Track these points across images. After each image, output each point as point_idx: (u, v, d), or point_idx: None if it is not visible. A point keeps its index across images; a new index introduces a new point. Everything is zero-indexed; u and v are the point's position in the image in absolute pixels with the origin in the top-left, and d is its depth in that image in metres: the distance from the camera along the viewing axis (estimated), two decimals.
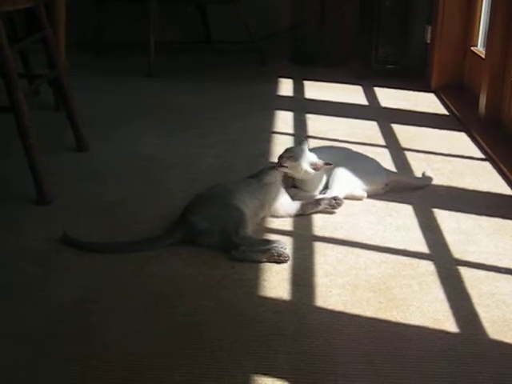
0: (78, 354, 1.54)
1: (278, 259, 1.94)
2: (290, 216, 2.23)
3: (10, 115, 2.30)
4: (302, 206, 2.25)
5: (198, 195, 2.14)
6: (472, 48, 3.78)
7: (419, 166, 2.69)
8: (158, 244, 2.02)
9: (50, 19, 2.75)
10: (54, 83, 2.91)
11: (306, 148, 2.32)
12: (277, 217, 2.23)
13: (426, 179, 2.52)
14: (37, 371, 1.49)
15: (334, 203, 2.26)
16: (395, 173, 2.58)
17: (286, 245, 2.01)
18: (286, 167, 2.27)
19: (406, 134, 3.15)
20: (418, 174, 2.60)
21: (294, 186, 2.37)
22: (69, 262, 1.95)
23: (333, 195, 2.28)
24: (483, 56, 3.43)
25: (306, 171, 2.29)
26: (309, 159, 2.29)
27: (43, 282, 1.84)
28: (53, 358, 1.52)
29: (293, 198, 2.28)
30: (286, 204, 2.25)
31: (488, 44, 3.29)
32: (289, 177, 2.32)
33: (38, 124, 2.39)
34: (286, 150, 2.32)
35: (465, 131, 3.20)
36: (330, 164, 2.30)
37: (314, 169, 2.29)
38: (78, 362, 1.51)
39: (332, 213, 2.26)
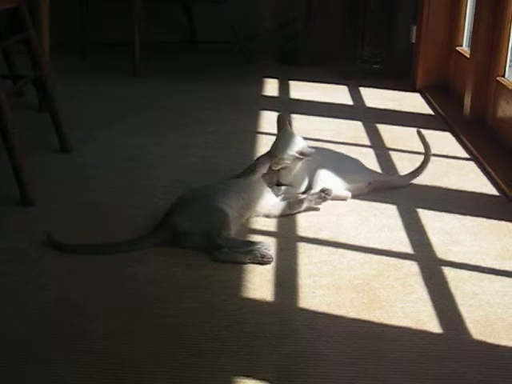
0: (60, 356, 1.53)
1: (262, 260, 1.93)
2: (276, 216, 2.23)
3: None
4: (289, 205, 2.24)
5: (182, 196, 2.13)
6: (457, 48, 3.78)
7: (404, 165, 2.69)
8: (141, 245, 2.01)
9: (33, 19, 2.73)
10: (38, 84, 2.89)
11: (288, 135, 2.32)
12: (263, 216, 2.22)
13: (409, 177, 2.51)
14: (18, 374, 1.47)
15: (324, 195, 2.25)
16: (379, 173, 2.58)
17: (269, 246, 2.00)
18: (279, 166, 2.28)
19: (391, 133, 3.15)
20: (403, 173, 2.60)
21: (278, 183, 2.35)
22: (51, 264, 1.93)
23: (321, 188, 2.28)
24: (468, 56, 3.44)
25: (294, 160, 2.30)
26: (294, 147, 2.30)
27: (25, 284, 1.83)
28: (35, 361, 1.51)
29: (279, 197, 2.28)
30: (271, 203, 2.24)
31: (473, 43, 3.30)
32: (273, 172, 2.31)
33: (21, 125, 2.37)
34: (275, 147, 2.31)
35: (450, 131, 3.20)
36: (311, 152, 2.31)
37: (301, 154, 2.29)
38: (60, 365, 1.50)
39: (317, 209, 2.26)
